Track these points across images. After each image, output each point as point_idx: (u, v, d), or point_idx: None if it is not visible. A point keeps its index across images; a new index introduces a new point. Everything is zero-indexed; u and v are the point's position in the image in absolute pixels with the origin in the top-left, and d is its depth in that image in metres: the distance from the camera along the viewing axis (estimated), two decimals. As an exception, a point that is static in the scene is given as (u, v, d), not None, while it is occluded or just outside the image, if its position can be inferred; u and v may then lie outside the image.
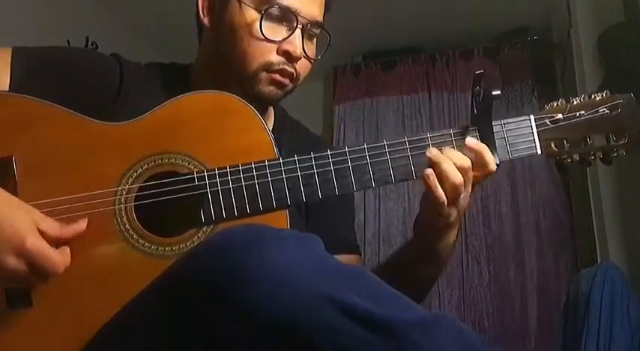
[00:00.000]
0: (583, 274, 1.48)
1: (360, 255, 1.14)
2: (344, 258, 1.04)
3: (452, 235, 0.95)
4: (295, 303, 0.63)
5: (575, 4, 2.58)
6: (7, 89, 0.91)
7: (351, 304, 0.63)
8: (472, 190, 0.90)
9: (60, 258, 0.78)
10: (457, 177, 0.86)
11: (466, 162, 0.87)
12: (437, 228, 0.93)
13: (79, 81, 0.96)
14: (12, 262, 0.75)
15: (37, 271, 0.76)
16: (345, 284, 0.65)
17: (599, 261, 2.32)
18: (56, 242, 0.79)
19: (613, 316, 1.36)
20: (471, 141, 0.89)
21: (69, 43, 2.50)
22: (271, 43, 0.97)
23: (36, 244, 0.76)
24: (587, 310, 1.38)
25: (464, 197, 0.88)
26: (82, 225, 0.82)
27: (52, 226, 0.79)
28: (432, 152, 0.88)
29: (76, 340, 0.79)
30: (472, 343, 0.65)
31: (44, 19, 2.61)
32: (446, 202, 0.87)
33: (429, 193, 0.87)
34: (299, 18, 0.98)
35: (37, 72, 0.94)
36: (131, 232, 0.84)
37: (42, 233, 0.78)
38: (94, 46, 2.88)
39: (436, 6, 3.11)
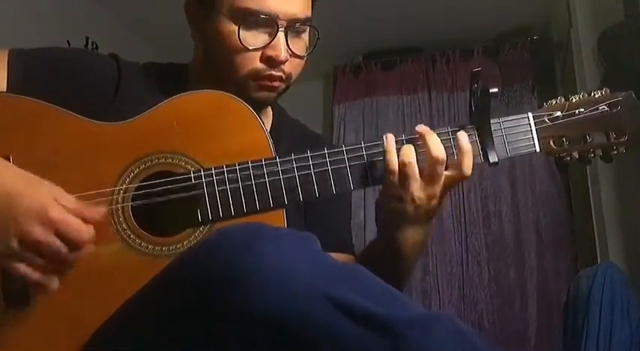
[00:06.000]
0: (583, 274, 1.48)
1: (355, 255, 1.13)
2: (339, 257, 1.03)
3: (412, 232, 0.92)
4: (292, 302, 0.63)
5: (575, 4, 2.59)
6: (5, 91, 0.90)
7: (349, 302, 0.63)
8: (442, 194, 0.89)
9: (84, 226, 0.78)
10: (410, 154, 0.87)
11: (440, 153, 0.87)
12: (387, 211, 0.91)
13: (77, 81, 0.96)
14: (38, 230, 0.74)
15: (63, 239, 0.76)
16: (343, 282, 0.65)
17: (599, 261, 2.32)
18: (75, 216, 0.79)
19: (613, 316, 1.36)
20: (463, 138, 0.89)
21: (69, 43, 2.50)
22: (254, 51, 0.96)
23: (59, 212, 0.76)
24: (587, 310, 1.38)
25: (417, 188, 0.87)
26: (100, 211, 0.81)
27: (70, 202, 0.79)
28: (421, 127, 0.89)
29: (73, 340, 0.79)
30: (472, 341, 0.64)
31: (44, 19, 2.62)
32: (396, 174, 0.87)
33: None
34: (279, 22, 0.95)
35: (35, 73, 0.93)
36: (128, 232, 0.84)
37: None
38: (94, 46, 2.88)
39: (436, 6, 3.10)
